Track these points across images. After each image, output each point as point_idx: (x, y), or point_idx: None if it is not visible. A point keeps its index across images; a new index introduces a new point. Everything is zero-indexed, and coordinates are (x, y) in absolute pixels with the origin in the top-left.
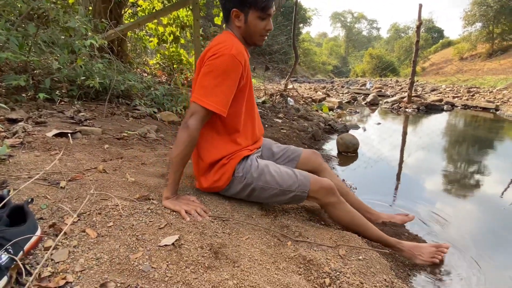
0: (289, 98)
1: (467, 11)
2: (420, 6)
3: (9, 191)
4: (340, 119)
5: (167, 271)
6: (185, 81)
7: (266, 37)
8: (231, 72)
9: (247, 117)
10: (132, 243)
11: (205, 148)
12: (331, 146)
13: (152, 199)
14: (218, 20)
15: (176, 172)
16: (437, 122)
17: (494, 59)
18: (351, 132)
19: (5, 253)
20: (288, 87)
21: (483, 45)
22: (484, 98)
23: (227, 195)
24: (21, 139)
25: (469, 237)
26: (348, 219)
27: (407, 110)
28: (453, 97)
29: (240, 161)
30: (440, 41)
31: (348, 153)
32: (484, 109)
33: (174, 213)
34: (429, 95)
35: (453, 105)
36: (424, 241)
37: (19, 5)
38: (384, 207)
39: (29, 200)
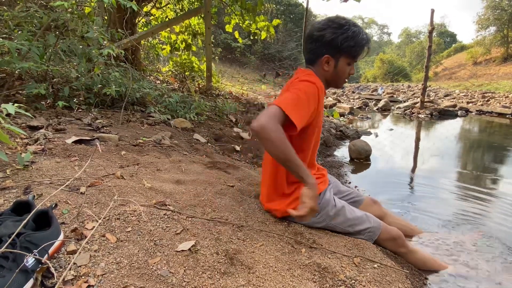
0: None
1: (481, 15)
2: (432, 11)
3: (34, 196)
4: (351, 125)
5: (184, 276)
6: (197, 88)
7: (347, 81)
8: (311, 98)
9: (314, 150)
10: (150, 248)
11: (282, 172)
12: (343, 153)
13: (168, 205)
14: (229, 28)
15: (298, 162)
16: (451, 128)
17: (509, 64)
18: (363, 138)
19: (32, 256)
20: None
21: (498, 49)
22: (500, 103)
23: (294, 221)
24: (43, 146)
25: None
26: (419, 264)
27: (420, 115)
28: (467, 103)
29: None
30: (453, 45)
31: (361, 159)
32: (500, 114)
33: (190, 218)
34: (442, 101)
35: (467, 111)
36: None
37: (39, 16)
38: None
39: (53, 205)
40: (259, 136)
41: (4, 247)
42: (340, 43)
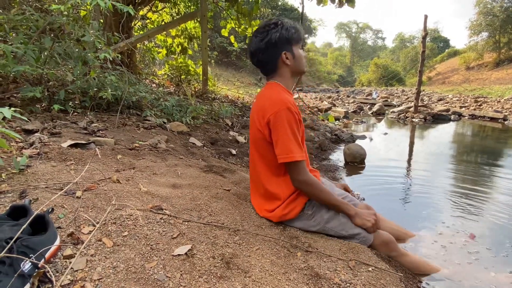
0: None
1: (473, 20)
2: (426, 16)
3: (30, 200)
4: (346, 129)
5: (181, 281)
6: (193, 92)
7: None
8: (292, 123)
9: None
10: (146, 252)
11: (279, 186)
12: (338, 156)
13: (165, 209)
14: (225, 32)
15: (336, 201)
16: (445, 132)
17: (501, 69)
18: (358, 142)
19: (29, 261)
20: (294, 96)
21: (490, 55)
22: (492, 107)
23: (290, 225)
24: (38, 150)
25: (477, 254)
26: (411, 268)
27: (413, 120)
28: (460, 107)
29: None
30: (446, 50)
31: (355, 163)
32: (492, 119)
33: (186, 223)
34: (436, 105)
35: (460, 115)
36: None
37: (35, 19)
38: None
39: (50, 209)
40: (307, 192)
41: (3, 252)
42: (287, 36)
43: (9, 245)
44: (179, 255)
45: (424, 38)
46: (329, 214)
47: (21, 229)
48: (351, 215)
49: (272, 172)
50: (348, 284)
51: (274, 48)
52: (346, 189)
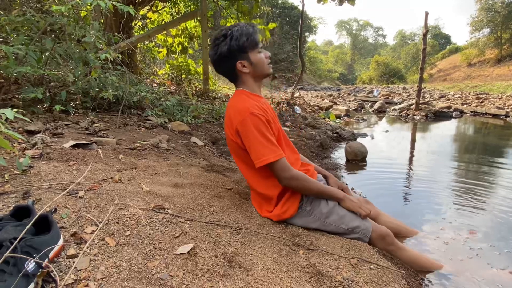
0: (296, 106)
1: (474, 17)
2: (426, 14)
3: (33, 201)
4: (347, 127)
5: (184, 279)
6: (194, 91)
7: (270, 63)
8: (260, 126)
9: (286, 149)
10: (149, 251)
11: (269, 188)
12: (339, 154)
13: (167, 208)
14: None
15: (324, 187)
16: (447, 129)
17: (503, 65)
18: (359, 140)
19: (33, 261)
20: (295, 95)
21: (492, 51)
22: (494, 104)
23: (291, 223)
24: (40, 151)
25: (479, 255)
26: (410, 262)
27: (415, 117)
28: (462, 104)
29: None
30: (448, 47)
31: (357, 161)
32: (494, 115)
33: (188, 222)
34: (437, 102)
35: (462, 112)
36: None
37: (35, 20)
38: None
39: (53, 210)
40: (296, 186)
41: (8, 252)
42: (237, 46)
43: (13, 245)
44: (181, 254)
45: (425, 35)
46: (327, 209)
47: (25, 229)
48: (340, 199)
49: (259, 175)
50: (350, 282)
51: (227, 60)
52: (344, 190)
